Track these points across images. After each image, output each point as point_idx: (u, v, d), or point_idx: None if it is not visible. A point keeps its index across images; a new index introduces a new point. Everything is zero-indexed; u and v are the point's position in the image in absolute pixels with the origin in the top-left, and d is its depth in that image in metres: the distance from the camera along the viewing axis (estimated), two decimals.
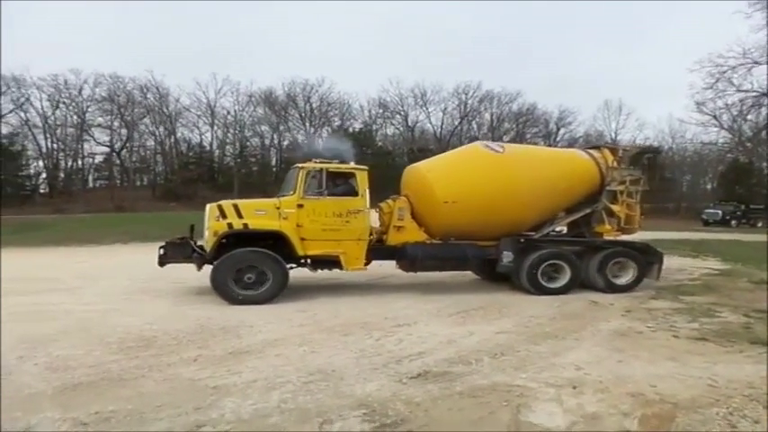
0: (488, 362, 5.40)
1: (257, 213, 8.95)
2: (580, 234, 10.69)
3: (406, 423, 3.79)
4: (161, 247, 9.11)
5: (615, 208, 10.29)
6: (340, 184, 9.28)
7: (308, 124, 60.67)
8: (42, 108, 50.10)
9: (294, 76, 60.46)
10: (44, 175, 50.96)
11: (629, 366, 5.29)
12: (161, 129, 54.46)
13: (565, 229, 11.14)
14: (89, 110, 51.54)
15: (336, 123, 61.17)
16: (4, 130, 48.75)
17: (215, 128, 57.38)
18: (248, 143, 58.56)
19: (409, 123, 61.32)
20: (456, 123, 61.47)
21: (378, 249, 9.59)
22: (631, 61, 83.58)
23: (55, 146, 51.59)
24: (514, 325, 7.09)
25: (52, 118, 50.65)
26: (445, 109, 61.28)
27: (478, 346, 5.98)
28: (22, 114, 49.44)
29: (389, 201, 9.96)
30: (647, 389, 4.59)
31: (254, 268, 8.56)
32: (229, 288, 8.47)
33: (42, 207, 40.02)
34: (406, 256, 9.51)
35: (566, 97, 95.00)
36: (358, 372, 4.97)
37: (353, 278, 10.72)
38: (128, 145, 52.11)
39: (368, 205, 9.18)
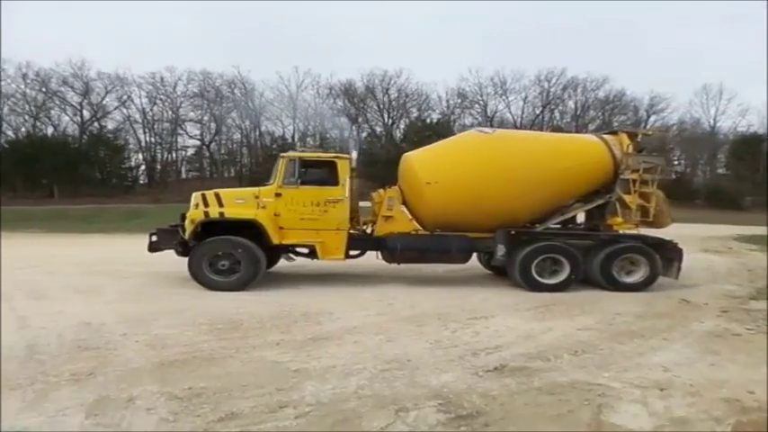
0: (568, 359, 5.25)
1: (236, 202, 9.09)
2: (595, 227, 9.90)
3: (482, 416, 3.77)
4: (152, 234, 9.33)
5: (627, 198, 9.33)
6: (321, 173, 9.17)
7: (386, 115, 61.12)
8: (142, 104, 54.01)
9: (373, 67, 60.86)
10: (143, 167, 54.90)
11: (723, 370, 4.95)
12: (247, 122, 56.97)
13: (582, 222, 10.44)
14: (182, 105, 55.00)
15: (414, 114, 61.13)
16: (110, 126, 53.17)
17: (296, 120, 59.24)
18: (328, 135, 59.94)
19: (488, 113, 60.08)
20: (537, 112, 59.52)
21: (360, 239, 9.48)
22: (733, 41, 76.92)
23: (152, 140, 55.43)
24: (597, 322, 6.83)
25: (150, 114, 54.45)
26: (526, 98, 59.56)
27: (558, 343, 5.81)
28: (125, 111, 53.57)
29: (381, 190, 9.80)
30: (744, 395, 4.27)
31: (228, 256, 8.70)
32: (204, 274, 8.68)
33: (142, 196, 43.29)
34: (386, 247, 9.34)
35: (658, 82, 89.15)
36: (433, 362, 5.00)
37: (432, 270, 10.73)
38: (216, 138, 55.02)
39: (347, 194, 9.00)
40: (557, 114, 60.23)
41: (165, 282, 9.24)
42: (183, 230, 8.99)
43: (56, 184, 47.10)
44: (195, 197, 9.13)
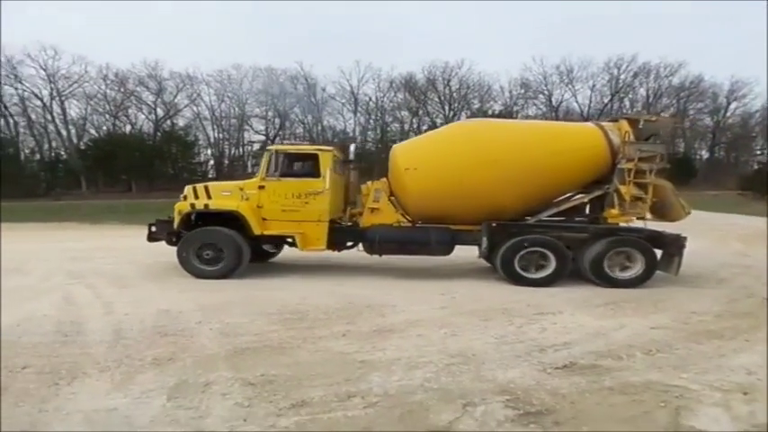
0: (642, 358, 5.04)
1: (223, 194, 9.39)
2: (595, 220, 9.36)
3: (552, 414, 3.70)
4: (151, 225, 9.73)
5: (623, 189, 8.78)
6: (303, 165, 9.33)
7: (446, 108, 60.63)
8: (210, 102, 56.33)
9: (434, 59, 60.50)
10: (212, 162, 57.29)
11: None
12: (309, 117, 58.17)
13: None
14: (248, 102, 56.88)
15: (476, 106, 60.30)
16: (181, 123, 55.75)
17: (357, 114, 59.87)
18: (389, 128, 60.20)
19: (553, 103, 58.44)
20: (606, 101, 57.18)
21: (342, 231, 9.54)
22: None
23: (220, 135, 57.69)
24: (672, 320, 6.50)
25: (218, 110, 56.67)
26: (593, 86, 57.42)
27: (630, 341, 5.59)
28: (195, 108, 56.03)
29: (369, 183, 9.75)
30: None
31: (212, 246, 9.02)
32: (191, 263, 9.04)
33: None
34: (365, 239, 9.33)
35: (740, 67, 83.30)
36: (499, 357, 4.94)
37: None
38: (280, 133, 56.48)
39: (327, 186, 9.03)
40: (626, 103, 57.64)
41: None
42: None
43: (133, 179, 49.97)
44: (187, 190, 9.52)
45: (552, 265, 8.70)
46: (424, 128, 58.14)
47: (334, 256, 10.05)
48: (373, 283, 8.75)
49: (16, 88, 51.06)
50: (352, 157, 10.12)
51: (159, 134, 54.53)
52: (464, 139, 9.39)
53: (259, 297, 7.45)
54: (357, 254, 9.67)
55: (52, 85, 51.81)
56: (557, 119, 57.72)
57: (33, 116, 52.74)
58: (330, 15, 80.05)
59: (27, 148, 54.39)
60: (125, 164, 47.88)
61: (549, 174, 8.82)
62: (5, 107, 51.29)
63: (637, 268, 8.64)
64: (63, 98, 52.67)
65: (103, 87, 53.88)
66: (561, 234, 8.92)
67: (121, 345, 5.03)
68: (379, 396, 3.92)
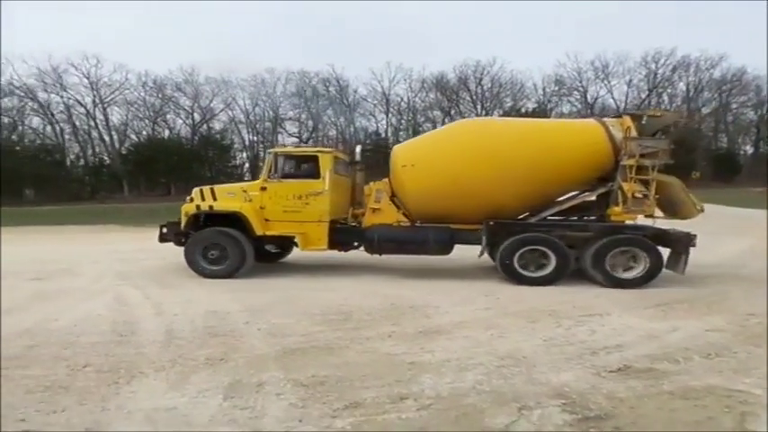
0: (699, 362, 4.86)
1: (227, 196, 9.67)
2: (601, 218, 9.15)
3: (611, 419, 3.59)
4: (162, 226, 10.02)
5: (625, 186, 8.54)
6: (304, 167, 9.52)
7: (479, 107, 60.16)
8: (245, 106, 57.32)
9: (465, 58, 60.07)
10: (247, 165, 58.27)
11: None
12: (341, 119, 58.55)
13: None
14: (282, 105, 57.66)
15: (508, 104, 59.66)
16: (217, 127, 56.94)
17: (389, 115, 59.96)
18: (420, 128, 60.20)
19: (588, 99, 57.28)
20: (643, 96, 55.66)
21: (343, 231, 9.64)
22: None
23: (255, 138, 58.63)
24: (728, 323, 6.26)
25: (253, 114, 57.62)
26: (630, 81, 55.98)
27: (685, 344, 5.40)
28: (230, 112, 57.14)
29: (371, 183, 9.86)
30: None
31: (217, 246, 9.30)
32: (198, 263, 9.34)
33: None
34: (364, 238, 9.42)
35: None
36: (550, 360, 4.84)
37: None
38: (313, 135, 57.05)
39: (327, 187, 9.17)
40: (665, 98, 56.00)
41: (273, 273, 9.75)
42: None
43: (172, 182, 51.25)
44: (195, 192, 9.82)
45: (552, 264, 8.61)
46: None
47: (370, 257, 10.07)
48: (413, 284, 8.72)
49: (62, 96, 53.09)
50: (358, 158, 10.30)
51: (196, 138, 55.79)
52: (462, 137, 9.37)
53: (302, 298, 7.51)
54: (394, 255, 9.65)
55: (95, 93, 53.67)
56: (592, 115, 56.64)
57: (78, 123, 54.72)
58: (360, 17, 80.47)
59: (72, 153, 56.45)
60: (164, 168, 49.20)
61: (548, 171, 8.70)
62: (52, 114, 53.39)
63: (641, 267, 8.45)
64: (105, 105, 54.47)
65: (143, 94, 55.52)
66: (564, 233, 8.79)
67: (174, 345, 5.13)
68: (432, 398, 3.88)
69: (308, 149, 10.15)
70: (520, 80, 57.87)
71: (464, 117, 59.08)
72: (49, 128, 54.38)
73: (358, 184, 10.11)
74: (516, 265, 8.66)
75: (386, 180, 9.80)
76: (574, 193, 9.49)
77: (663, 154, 8.61)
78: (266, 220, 9.41)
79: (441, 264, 10.31)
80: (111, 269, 10.46)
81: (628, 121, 8.94)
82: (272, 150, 9.93)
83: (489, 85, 59.18)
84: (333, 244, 9.48)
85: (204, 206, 9.61)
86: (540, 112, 58.05)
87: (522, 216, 9.36)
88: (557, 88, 58.53)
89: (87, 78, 53.22)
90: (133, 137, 57.54)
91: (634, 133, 8.71)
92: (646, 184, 8.62)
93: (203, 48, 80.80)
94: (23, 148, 52.53)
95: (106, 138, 55.06)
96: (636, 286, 8.27)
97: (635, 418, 3.62)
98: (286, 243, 10.24)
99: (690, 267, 8.44)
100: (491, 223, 8.89)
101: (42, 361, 4.62)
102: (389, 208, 9.58)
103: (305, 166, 9.58)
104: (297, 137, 57.48)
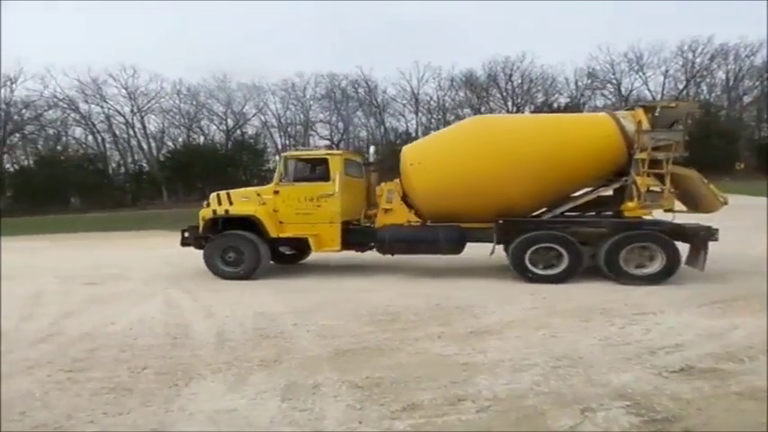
0: (765, 361, 4.65)
1: (242, 200, 9.90)
2: (617, 213, 8.87)
3: (680, 421, 3.47)
4: (183, 231, 10.36)
5: (639, 180, 8.30)
6: (315, 170, 9.73)
7: (509, 103, 59.46)
8: (276, 110, 58.09)
9: (495, 54, 59.44)
10: None
11: None
12: (371, 120, 58.70)
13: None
14: (312, 108, 58.19)
15: (540, 100, 58.78)
16: (250, 131, 57.89)
17: (419, 115, 59.79)
18: None
19: (622, 92, 55.75)
20: (680, 87, 53.88)
21: (355, 232, 9.70)
22: None
23: (287, 142, 59.29)
24: None
25: (284, 118, 58.35)
26: (666, 72, 54.14)
27: (748, 342, 5.18)
28: (262, 117, 58.01)
29: (383, 184, 9.90)
30: None
31: (234, 248, 9.56)
32: (216, 265, 9.66)
33: None
34: (376, 239, 9.46)
35: None
36: (608, 360, 4.71)
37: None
38: (344, 137, 57.33)
39: (338, 189, 9.30)
40: (704, 87, 54.06)
41: (314, 274, 9.85)
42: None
43: (208, 187, 52.19)
44: (212, 197, 10.11)
45: (565, 262, 8.47)
46: None
47: (407, 258, 10.06)
48: (455, 283, 8.64)
49: (102, 107, 54.83)
50: (372, 159, 10.40)
51: (230, 143, 56.76)
52: (469, 135, 9.30)
53: (347, 299, 7.54)
54: (434, 255, 9.60)
55: (133, 102, 55.22)
56: (627, 108, 55.15)
57: (117, 132, 56.39)
58: (387, 17, 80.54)
59: (113, 161, 58.21)
60: (201, 173, 50.18)
61: (558, 167, 8.52)
62: (93, 125, 55.20)
63: (657, 264, 8.22)
64: (143, 114, 55.99)
65: (178, 102, 56.84)
66: (577, 229, 8.61)
67: (227, 347, 5.21)
68: (490, 400, 3.82)
69: (317, 152, 10.24)
70: (551, 75, 56.82)
71: (494, 113, 58.70)
72: (90, 137, 56.25)
73: (372, 185, 10.22)
74: (528, 262, 8.57)
75: (397, 180, 9.77)
76: (587, 189, 9.30)
77: (677, 146, 8.35)
78: (280, 222, 9.64)
79: (479, 262, 10.20)
80: (158, 273, 10.72)
81: (640, 113, 8.66)
82: (283, 155, 10.14)
83: (519, 81, 58.33)
84: (346, 245, 9.61)
85: (220, 211, 9.91)
86: (573, 106, 56.88)
87: (537, 213, 9.21)
88: (589, 81, 57.21)
89: (125, 89, 54.83)
90: (170, 144, 58.98)
91: (646, 126, 8.43)
92: (661, 177, 8.39)
93: (234, 55, 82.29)
94: (68, 157, 54.44)
95: (144, 145, 56.64)
96: (652, 283, 8.05)
97: (706, 420, 3.49)
98: (301, 245, 10.33)
99: (739, 263, 8.12)
100: (500, 222, 8.80)
101: (104, 364, 4.76)
102: (401, 208, 9.57)
103: (316, 169, 9.79)
104: (328, 139, 57.87)
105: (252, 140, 56.61)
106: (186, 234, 10.39)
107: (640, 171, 8.35)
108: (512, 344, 5.25)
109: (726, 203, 8.67)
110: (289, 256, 11.06)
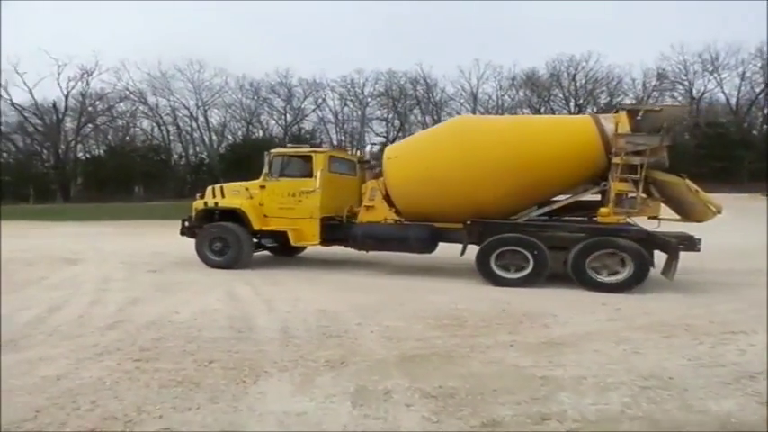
0: None
1: (233, 193, 10.50)
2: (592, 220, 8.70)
3: None
4: (184, 220, 10.93)
5: (612, 185, 8.09)
6: (299, 166, 10.07)
7: (572, 104, 57.79)
8: (335, 106, 58.66)
9: (559, 53, 57.66)
10: None
11: None
12: (428, 118, 58.28)
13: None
14: (369, 104, 58.37)
15: (604, 101, 56.70)
16: (308, 127, 58.72)
17: (476, 113, 58.86)
18: None
19: (694, 94, 52.89)
20: (758, 90, 50.55)
21: (336, 227, 9.94)
22: None
23: (343, 138, 59.79)
24: None
25: (341, 114, 58.85)
26: (744, 74, 50.79)
27: None
28: (320, 113, 58.72)
29: (369, 182, 10.04)
30: None
31: (220, 239, 10.13)
32: (205, 254, 10.28)
33: None
34: (349, 235, 9.68)
35: None
36: (702, 384, 4.26)
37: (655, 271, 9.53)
38: (400, 135, 57.13)
39: (318, 186, 9.65)
40: None
41: (374, 272, 9.71)
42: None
43: None
44: (208, 190, 10.80)
45: (530, 265, 8.37)
46: None
47: (465, 258, 9.74)
48: (521, 289, 8.24)
49: (168, 100, 56.96)
50: (367, 157, 10.97)
51: (288, 138, 57.73)
52: (446, 134, 9.39)
53: (409, 299, 7.32)
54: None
55: (197, 96, 57.08)
56: (698, 111, 52.35)
57: (181, 124, 58.44)
58: (450, 15, 79.78)
59: (176, 153, 60.36)
60: (258, 166, 51.19)
61: (531, 170, 8.37)
62: (160, 117, 57.44)
63: (625, 272, 8.03)
64: (206, 108, 57.80)
65: (240, 96, 58.33)
66: (546, 233, 8.48)
67: (293, 344, 5.08)
68: (578, 421, 3.50)
69: (302, 150, 10.60)
70: (617, 75, 54.63)
71: (555, 114, 57.04)
72: (156, 129, 58.55)
73: (365, 184, 10.30)
74: (493, 265, 8.53)
75: (381, 179, 9.79)
76: (567, 195, 9.09)
77: (655, 151, 8.05)
78: (265, 216, 10.14)
79: None
80: None
81: (622, 116, 8.40)
82: (269, 152, 10.53)
83: (583, 81, 56.48)
84: (327, 240, 10.03)
85: (211, 203, 10.60)
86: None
87: (518, 215, 8.95)
88: (658, 83, 54.66)
89: (191, 83, 56.76)
90: (230, 137, 60.62)
91: (626, 129, 8.17)
92: (636, 183, 8.15)
93: (296, 50, 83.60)
94: (134, 148, 56.91)
95: (206, 138, 58.44)
96: (618, 291, 7.88)
97: None
98: (285, 238, 10.32)
99: None
100: (469, 223, 8.81)
101: (171, 354, 4.72)
102: (382, 206, 9.64)
103: (300, 166, 10.14)
104: (384, 136, 57.92)
105: (308, 136, 57.34)
106: (186, 224, 10.98)
107: (614, 176, 8.12)
108: (591, 358, 4.87)
109: (718, 213, 8.33)
110: (290, 249, 11.28)
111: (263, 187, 10.20)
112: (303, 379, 4.15)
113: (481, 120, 11.17)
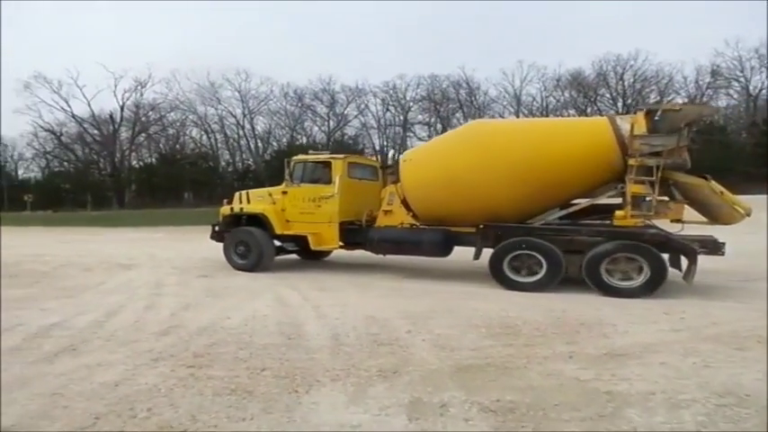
0: None
1: (257, 199, 10.95)
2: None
3: None
4: (213, 225, 11.47)
5: (629, 187, 7.90)
6: (320, 172, 10.34)
7: (619, 103, 56.12)
8: (377, 111, 58.98)
9: (606, 52, 56.15)
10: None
11: None
12: (469, 121, 57.82)
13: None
14: (411, 109, 58.39)
15: (653, 99, 54.73)
16: (350, 132, 59.21)
17: (520, 115, 57.93)
18: None
19: (750, 91, 50.43)
20: None
21: (354, 231, 10.08)
22: None
23: (385, 143, 60.01)
24: None
25: (383, 119, 59.08)
26: None
27: None
28: (362, 118, 59.17)
29: (387, 187, 10.19)
30: None
31: (242, 243, 10.62)
32: (230, 257, 10.83)
33: None
34: (365, 239, 9.83)
35: None
36: None
37: (727, 280, 9.01)
38: None
39: (337, 191, 9.91)
40: None
41: (421, 278, 9.56)
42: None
43: None
44: (236, 195, 11.34)
45: (544, 269, 8.24)
46: None
47: None
48: (574, 295, 7.92)
49: (216, 109, 58.69)
50: (389, 162, 10.65)
51: (331, 144, 58.36)
52: (460, 138, 9.36)
53: (459, 307, 7.14)
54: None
55: (244, 105, 58.55)
56: (754, 108, 49.82)
57: (228, 132, 60.08)
58: (493, 16, 78.93)
59: (223, 160, 62.03)
60: None
61: (546, 173, 8.23)
62: (209, 125, 59.22)
63: (642, 276, 7.79)
64: (252, 115, 59.21)
65: (284, 104, 59.47)
66: (561, 237, 8.34)
67: (343, 353, 5.00)
68: None
69: (322, 156, 10.88)
70: (668, 73, 52.74)
71: (601, 115, 55.40)
72: (205, 137, 60.36)
73: (385, 189, 10.45)
74: (506, 269, 8.49)
75: (399, 184, 9.82)
76: (587, 198, 8.84)
77: (672, 152, 7.82)
78: (287, 221, 10.48)
79: None
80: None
81: (639, 117, 8.17)
82: (290, 159, 10.86)
83: (632, 80, 54.77)
84: (347, 244, 10.20)
85: (236, 208, 11.10)
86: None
87: (535, 218, 8.81)
88: (712, 80, 52.41)
89: (238, 91, 58.30)
90: (274, 144, 61.83)
91: (643, 130, 7.94)
92: (661, 185, 7.95)
93: (339, 57, 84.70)
94: (184, 156, 58.80)
95: (252, 145, 59.80)
96: (634, 296, 7.65)
97: None
98: (305, 242, 10.54)
99: None
100: (481, 226, 8.81)
101: (224, 361, 4.73)
102: (399, 210, 9.72)
103: (320, 172, 10.42)
104: (426, 140, 57.75)
105: (351, 141, 57.86)
106: (217, 228, 11.48)
107: (630, 178, 7.92)
108: (658, 372, 4.58)
109: (747, 215, 8.03)
110: (315, 253, 11.34)
111: (285, 193, 10.55)
112: (356, 389, 4.06)
113: (496, 123, 11.47)
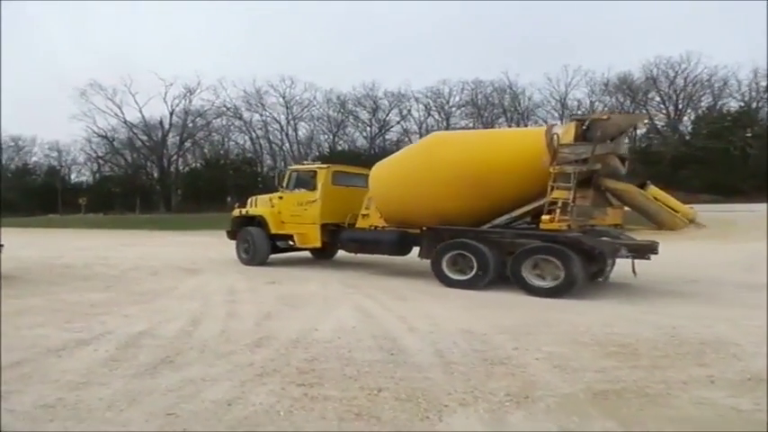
0: None
1: (261, 203, 12.82)
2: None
3: None
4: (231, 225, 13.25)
5: (551, 194, 8.35)
6: (308, 180, 11.88)
7: (670, 107, 54.24)
8: (419, 117, 58.64)
9: (657, 56, 54.29)
10: None
11: None
12: (513, 126, 56.79)
13: None
14: (454, 114, 57.82)
15: (706, 103, 52.83)
16: (392, 138, 59.03)
17: (564, 120, 56.63)
18: None
19: None
20: None
21: (334, 232, 11.59)
22: None
23: None
24: None
25: (425, 125, 58.68)
26: None
27: None
28: (404, 124, 58.94)
29: (368, 193, 11.06)
30: None
31: (246, 241, 12.49)
32: (239, 254, 12.76)
33: None
34: (336, 239, 11.47)
35: None
36: None
37: None
38: None
39: (319, 197, 11.50)
40: None
41: (491, 286, 9.06)
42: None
43: None
44: (250, 200, 13.23)
45: (474, 268, 8.87)
46: (642, 131, 52.47)
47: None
48: (672, 310, 7.33)
49: (261, 115, 59.52)
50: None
51: (373, 150, 58.30)
52: (417, 151, 10.41)
53: (553, 320, 6.66)
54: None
55: (288, 111, 59.15)
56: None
57: (272, 138, 60.79)
58: (539, 20, 77.70)
59: (266, 165, 62.77)
60: None
61: (487, 182, 8.71)
62: (253, 131, 60.07)
63: (561, 276, 8.10)
64: (296, 121, 59.76)
65: (327, 110, 59.78)
66: (489, 239, 8.89)
67: (457, 372, 4.57)
68: None
69: (310, 166, 12.41)
70: (723, 76, 50.59)
71: (651, 119, 53.50)
72: (249, 143, 61.23)
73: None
74: (445, 268, 9.23)
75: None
76: (533, 204, 8.97)
77: (593, 160, 8.21)
78: (282, 222, 12.14)
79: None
80: (332, 276, 10.77)
81: (570, 126, 8.65)
82: (288, 168, 12.76)
83: (683, 84, 52.81)
84: (328, 244, 11.81)
85: (244, 211, 13.11)
86: (744, 111, 50.52)
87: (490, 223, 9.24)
88: None
89: (283, 98, 58.97)
90: (316, 150, 62.18)
91: (571, 139, 8.39)
92: (598, 191, 8.57)
93: (383, 63, 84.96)
94: (228, 161, 59.78)
95: (294, 151, 60.30)
96: (552, 295, 8.04)
97: None
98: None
99: None
100: (425, 229, 9.66)
101: (332, 379, 4.37)
102: (375, 214, 10.84)
103: (308, 180, 11.91)
104: None
105: (394, 147, 57.67)
106: (231, 229, 13.23)
107: (551, 184, 8.37)
108: None
109: (691, 222, 8.49)
110: (323, 253, 13.12)
111: (281, 198, 12.28)
112: (491, 416, 3.65)
113: (452, 135, 12.34)
